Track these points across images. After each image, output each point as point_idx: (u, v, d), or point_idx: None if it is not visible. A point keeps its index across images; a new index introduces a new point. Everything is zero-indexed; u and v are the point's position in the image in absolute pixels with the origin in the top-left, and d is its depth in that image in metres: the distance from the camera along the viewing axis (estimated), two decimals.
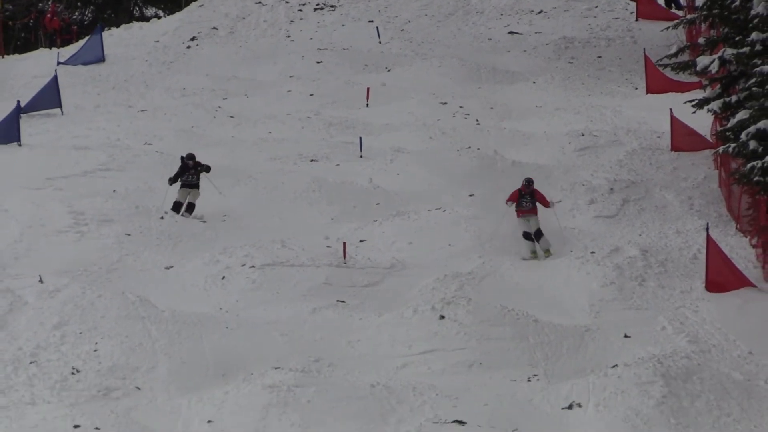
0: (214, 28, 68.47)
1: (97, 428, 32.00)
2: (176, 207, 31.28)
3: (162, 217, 29.24)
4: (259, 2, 71.91)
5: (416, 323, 37.07)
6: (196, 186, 30.38)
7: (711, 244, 40.21)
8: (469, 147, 50.10)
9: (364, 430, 32.74)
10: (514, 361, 35.87)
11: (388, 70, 61.70)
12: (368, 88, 56.77)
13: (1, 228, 38.88)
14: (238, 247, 40.57)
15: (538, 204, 30.75)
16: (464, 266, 39.58)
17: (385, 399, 33.87)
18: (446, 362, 35.60)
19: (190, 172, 30.36)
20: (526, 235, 29.69)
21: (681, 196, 45.14)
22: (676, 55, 53.86)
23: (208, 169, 31.63)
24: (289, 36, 66.80)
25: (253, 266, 39.43)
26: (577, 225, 43.26)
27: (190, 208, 31.31)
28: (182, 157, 30.79)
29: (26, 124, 47.78)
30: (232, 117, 52.27)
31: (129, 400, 33.50)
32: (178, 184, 30.60)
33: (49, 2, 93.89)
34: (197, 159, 30.74)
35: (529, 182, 31.35)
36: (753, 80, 43.72)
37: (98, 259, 39.55)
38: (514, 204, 30.71)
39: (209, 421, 32.46)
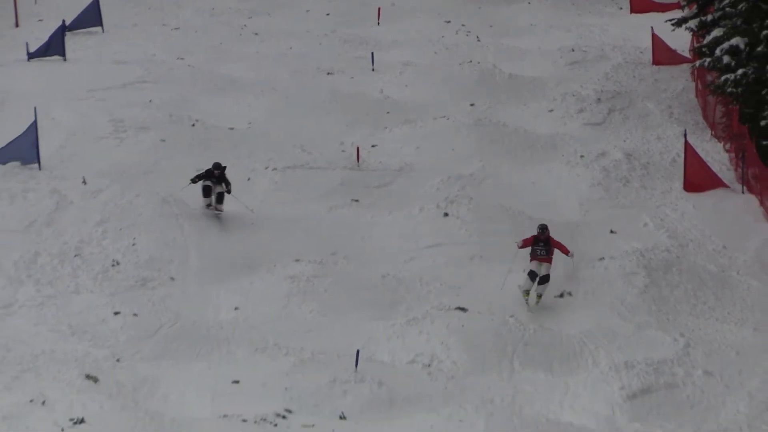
0: None
1: (135, 314, 32.54)
2: (207, 194, 30.40)
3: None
4: None
5: (423, 220, 37.40)
6: (220, 184, 29.99)
7: (688, 149, 40.27)
8: (470, 61, 50.07)
9: (376, 317, 33.26)
10: (507, 253, 35.67)
11: None
12: (379, 8, 56.49)
13: (48, 135, 38.70)
14: (261, 151, 40.37)
15: (556, 251, 29.89)
16: (466, 169, 39.75)
17: (394, 288, 34.23)
18: (450, 256, 35.81)
19: (213, 180, 29.57)
20: (532, 275, 28.91)
21: (661, 106, 45.16)
22: None
23: (229, 191, 31.63)
24: None
25: (276, 168, 39.40)
26: (568, 131, 43.41)
27: (219, 199, 30.50)
28: (209, 169, 29.64)
29: (71, 41, 47.67)
30: (256, 34, 52.08)
31: (164, 290, 33.76)
32: (200, 182, 30.00)
33: None
34: (225, 173, 29.62)
35: (543, 229, 30.52)
36: (726, 1, 43.48)
37: (136, 162, 39.68)
38: (529, 248, 29.53)
39: (236, 308, 32.98)
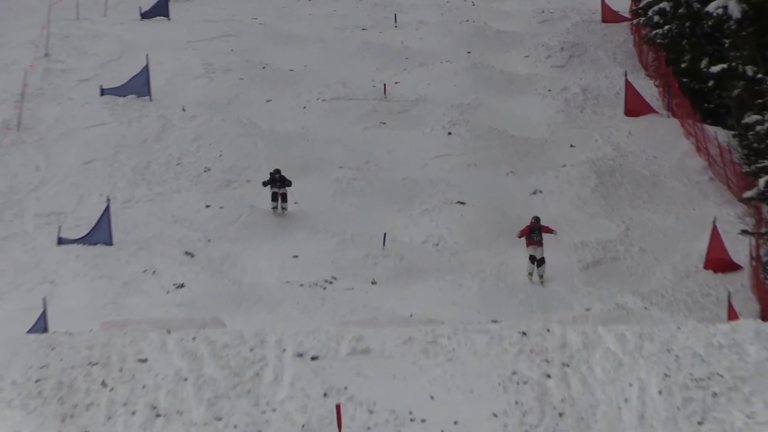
0: None
1: (221, 207, 32.48)
2: (274, 198, 30.27)
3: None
4: None
5: (432, 137, 37.35)
6: (282, 186, 29.77)
7: (628, 85, 39.94)
8: (468, 20, 49.67)
9: (398, 208, 33.51)
10: (498, 162, 35.79)
11: None
12: None
13: (157, 75, 38.65)
14: (314, 87, 40.08)
15: (544, 235, 29.11)
16: (464, 100, 39.64)
17: (412, 188, 34.29)
18: (452, 163, 35.71)
19: (276, 183, 29.32)
20: (532, 259, 28.23)
21: (608, 53, 44.85)
22: None
23: (290, 183, 31.16)
24: None
25: (324, 99, 39.09)
26: (539, 72, 43.09)
27: (284, 199, 30.22)
28: (271, 172, 29.75)
29: (173, 5, 47.26)
30: (309, 0, 51.21)
31: (242, 189, 33.75)
32: (268, 186, 29.95)
33: None
34: (282, 173, 29.57)
35: (537, 220, 29.55)
36: None
37: (221, 95, 39.49)
38: (524, 237, 28.95)
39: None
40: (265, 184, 31.22)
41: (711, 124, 37.78)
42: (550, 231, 29.75)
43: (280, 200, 31.75)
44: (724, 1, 37.04)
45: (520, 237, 29.77)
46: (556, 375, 17.20)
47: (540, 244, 29.47)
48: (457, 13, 48.92)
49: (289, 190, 31.94)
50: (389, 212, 32.88)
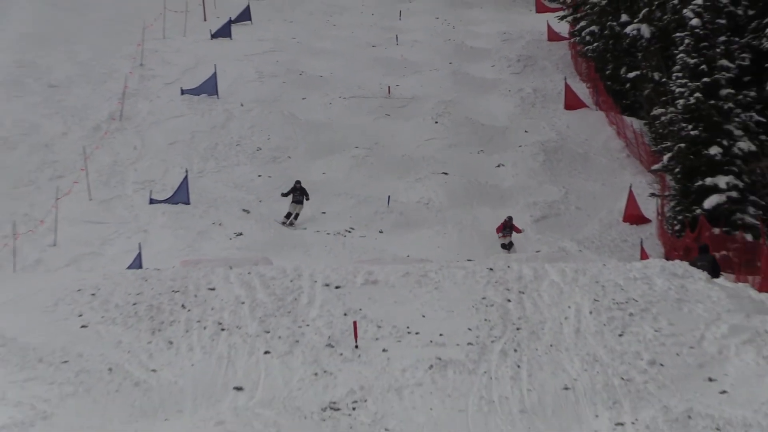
0: None
1: (269, 176, 32.15)
2: (288, 215, 28.97)
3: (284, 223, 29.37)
4: None
5: (424, 125, 37.12)
6: (301, 203, 28.22)
7: (567, 87, 39.60)
8: (450, 39, 48.75)
9: (398, 177, 33.35)
10: (471, 143, 35.72)
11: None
12: (400, 11, 54.05)
13: (222, 79, 38.72)
14: (337, 88, 40.05)
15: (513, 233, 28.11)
16: (447, 97, 39.49)
17: (409, 162, 34.26)
18: (438, 145, 35.58)
19: (296, 192, 28.05)
20: (503, 247, 28.14)
21: (552, 63, 44.50)
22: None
23: (308, 197, 29.54)
24: None
25: (344, 98, 38.92)
26: (502, 78, 43.03)
27: (296, 217, 28.68)
28: (295, 183, 29.48)
29: (234, 28, 46.67)
30: (334, 25, 50.85)
31: (285, 163, 33.76)
32: (290, 197, 28.28)
33: None
34: (302, 185, 29.27)
35: (510, 219, 28.37)
36: (588, 5, 42.59)
37: (269, 94, 39.27)
38: (500, 233, 28.50)
39: (323, 173, 32.12)
40: (284, 194, 29.68)
41: (628, 115, 37.61)
42: (518, 230, 28.63)
43: (292, 217, 29.83)
44: (637, 24, 36.84)
45: (497, 232, 28.68)
46: (515, 299, 17.20)
47: (509, 236, 28.81)
48: (442, 35, 48.30)
49: (307, 204, 30.19)
50: (392, 180, 32.61)
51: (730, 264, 24.45)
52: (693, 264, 20.71)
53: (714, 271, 20.47)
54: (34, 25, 45.94)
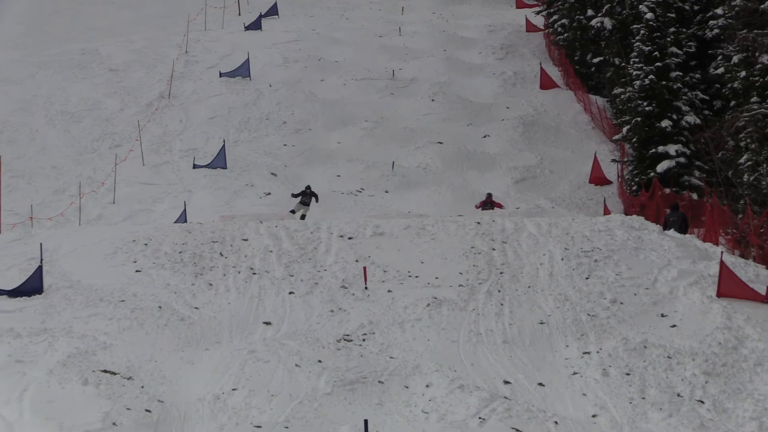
0: None
1: (293, 145, 32.66)
2: (292, 212, 24.23)
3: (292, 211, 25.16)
4: None
5: (422, 102, 36.83)
6: (308, 204, 24.83)
7: (542, 70, 39.36)
8: (444, 30, 47.79)
9: (401, 146, 32.80)
10: (462, 117, 35.53)
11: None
12: (402, 7, 53.08)
13: (254, 64, 38.48)
14: (350, 72, 39.61)
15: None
16: (441, 79, 38.97)
17: (410, 133, 34.19)
18: (435, 118, 35.49)
19: (306, 195, 24.81)
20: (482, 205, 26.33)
21: (530, 51, 43.56)
22: None
23: (317, 199, 25.10)
24: None
25: (356, 79, 38.70)
26: (487, 63, 42.17)
27: (302, 218, 23.84)
28: (306, 187, 25.53)
29: (264, 21, 46.26)
30: (347, 19, 49.79)
31: (306, 134, 34.02)
32: (298, 198, 24.40)
33: None
34: (312, 189, 25.27)
35: (489, 195, 26.04)
36: (560, 2, 42.09)
37: (293, 76, 38.91)
38: (480, 208, 25.53)
39: (338, 142, 32.48)
40: (294, 195, 25.66)
41: (593, 94, 37.12)
42: (500, 206, 26.11)
43: (298, 215, 24.77)
44: (601, 18, 36.47)
45: (477, 208, 26.03)
46: (498, 248, 17.11)
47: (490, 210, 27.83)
48: (437, 27, 47.36)
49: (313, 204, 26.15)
50: (396, 148, 32.17)
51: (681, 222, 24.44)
52: (666, 219, 20.78)
53: (684, 226, 20.49)
54: (96, 19, 46.43)
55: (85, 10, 48.64)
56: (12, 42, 41.85)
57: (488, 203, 26.40)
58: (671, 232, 19.11)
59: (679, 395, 11.50)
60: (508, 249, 17.07)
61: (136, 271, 15.91)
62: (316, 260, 16.56)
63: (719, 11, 27.74)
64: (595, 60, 37.84)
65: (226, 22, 46.85)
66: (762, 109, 20.42)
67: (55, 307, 14.16)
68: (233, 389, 11.42)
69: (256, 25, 45.66)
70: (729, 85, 26.08)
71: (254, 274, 15.92)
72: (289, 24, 47.17)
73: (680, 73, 28.53)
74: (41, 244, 16.00)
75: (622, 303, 14.53)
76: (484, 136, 33.72)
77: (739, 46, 23.01)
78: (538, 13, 47.13)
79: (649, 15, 28.98)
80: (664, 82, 28.14)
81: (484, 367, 12.31)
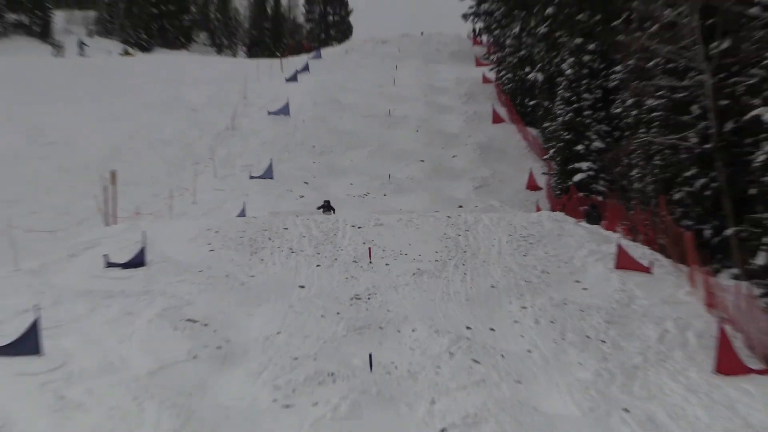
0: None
1: (320, 163, 32.43)
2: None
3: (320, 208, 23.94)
4: None
5: (410, 133, 36.25)
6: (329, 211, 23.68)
7: (493, 110, 38.89)
8: (425, 83, 47.75)
9: (394, 163, 32.34)
10: (437, 143, 35.03)
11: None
12: (396, 65, 51.12)
13: (292, 105, 37.72)
14: (359, 110, 39.04)
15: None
16: (423, 116, 38.60)
17: (401, 154, 34.09)
18: (418, 144, 35.04)
19: (326, 208, 22.54)
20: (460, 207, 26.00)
21: (485, 96, 42.56)
22: (487, 58, 51.44)
23: (334, 211, 22.99)
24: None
25: (364, 116, 38.32)
26: (455, 105, 41.44)
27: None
28: (325, 201, 23.87)
29: (300, 76, 46.03)
30: (356, 75, 49.55)
31: (329, 155, 33.48)
32: (321, 210, 22.65)
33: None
34: (330, 203, 23.70)
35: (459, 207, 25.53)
36: (505, 63, 41.72)
37: (320, 114, 38.00)
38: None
39: (350, 161, 32.79)
40: (318, 208, 24.18)
41: (529, 126, 36.99)
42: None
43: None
44: (535, 73, 36.45)
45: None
46: (462, 235, 17.12)
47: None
48: (420, 80, 46.41)
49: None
50: (391, 164, 31.87)
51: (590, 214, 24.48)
52: (588, 213, 21.11)
53: (599, 219, 20.77)
54: (185, 74, 46.45)
55: (177, 67, 48.88)
56: (122, 90, 41.77)
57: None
58: (584, 222, 19.18)
59: (588, 337, 11.56)
60: (470, 235, 17.11)
61: (210, 250, 15.93)
62: (335, 243, 16.59)
63: (618, 68, 27.69)
64: (531, 103, 37.77)
65: (273, 76, 46.72)
66: (647, 138, 20.42)
67: (153, 276, 14.21)
68: (278, 333, 11.46)
69: (293, 79, 45.50)
70: (624, 121, 26.04)
71: (292, 252, 15.94)
72: (317, 78, 46.99)
73: (590, 112, 28.44)
74: (144, 231, 16.09)
75: (548, 273, 14.59)
76: (453, 156, 33.59)
77: (631, 92, 22.99)
78: (490, 70, 47.04)
79: (568, 71, 28.98)
80: (579, 119, 28.12)
81: (452, 318, 12.36)
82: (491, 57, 50.65)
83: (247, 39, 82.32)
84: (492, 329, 11.91)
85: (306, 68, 48.86)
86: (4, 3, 58.88)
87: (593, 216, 20.74)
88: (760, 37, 14.14)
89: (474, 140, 35.42)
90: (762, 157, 13.31)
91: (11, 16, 59.66)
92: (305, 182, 29.84)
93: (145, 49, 67.84)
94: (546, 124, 32.75)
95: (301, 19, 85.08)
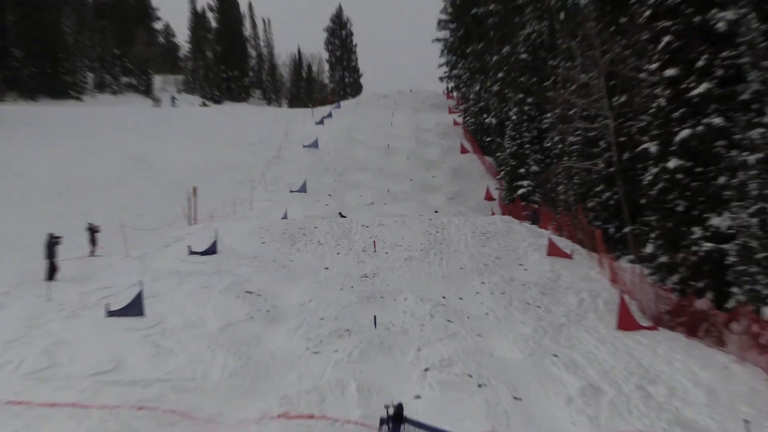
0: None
1: (339, 181, 31.21)
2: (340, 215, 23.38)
3: (341, 214, 22.98)
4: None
5: (402, 160, 35.47)
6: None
7: (461, 144, 38.04)
8: (414, 127, 47.03)
9: (392, 181, 31.23)
10: (422, 167, 34.05)
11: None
12: (393, 113, 50.40)
13: (321, 141, 37.25)
14: (368, 146, 38.34)
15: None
16: (412, 149, 37.88)
17: (396, 176, 32.72)
18: (408, 167, 33.89)
19: (341, 215, 22.64)
20: (435, 211, 25.74)
21: (455, 134, 41.84)
22: (457, 107, 50.96)
23: (345, 217, 21.38)
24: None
25: (370, 149, 37.27)
26: (435, 141, 40.88)
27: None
28: (339, 212, 23.73)
29: (326, 120, 45.46)
30: (364, 121, 49.13)
31: (346, 175, 32.38)
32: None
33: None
34: (343, 213, 23.47)
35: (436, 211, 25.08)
36: (470, 111, 41.34)
37: (341, 147, 37.02)
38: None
39: (360, 179, 31.53)
40: (338, 213, 23.94)
41: (487, 156, 36.75)
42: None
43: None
44: (490, 118, 36.22)
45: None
46: (439, 232, 16.89)
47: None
48: (411, 122, 45.85)
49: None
50: (389, 182, 31.33)
51: (530, 217, 24.28)
52: (529, 216, 21.00)
53: (536, 220, 20.62)
54: (244, 118, 46.07)
55: (239, 115, 48.33)
56: (201, 130, 41.49)
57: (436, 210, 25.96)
58: (525, 223, 19.02)
59: (528, 303, 11.53)
60: (445, 232, 16.96)
61: (262, 243, 15.80)
62: (350, 237, 16.44)
63: (548, 115, 27.60)
64: (487, 139, 37.48)
65: (306, 121, 46.28)
66: (568, 164, 20.37)
67: (222, 261, 14.10)
68: (309, 301, 11.45)
69: (321, 122, 45.10)
70: (553, 151, 25.91)
71: (320, 244, 15.81)
72: (337, 121, 46.51)
73: (529, 146, 28.16)
74: (215, 229, 16.06)
75: (500, 258, 14.51)
76: (433, 176, 33.14)
77: (557, 132, 22.93)
78: (459, 116, 46.70)
79: (513, 117, 28.70)
80: (521, 150, 27.87)
81: (432, 290, 12.33)
82: (459, 107, 50.47)
83: (288, 94, 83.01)
84: (461, 298, 11.87)
85: (330, 115, 48.35)
86: (120, 70, 60.67)
87: (533, 218, 20.67)
88: (646, 94, 14.31)
89: (448, 165, 35.06)
90: (649, 178, 13.34)
91: (125, 79, 61.78)
92: (329, 194, 29.61)
93: (217, 101, 68.36)
94: (498, 154, 32.56)
95: (326, 80, 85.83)
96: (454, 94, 56.97)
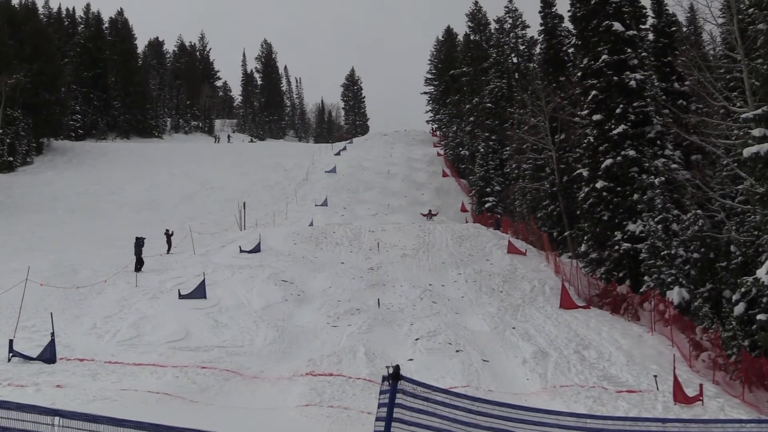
0: None
1: (352, 197, 29.85)
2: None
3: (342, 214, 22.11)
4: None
5: (399, 182, 34.38)
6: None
7: (443, 170, 37.16)
8: (406, 157, 45.03)
9: (392, 197, 30.04)
10: (413, 188, 32.93)
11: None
12: (393, 149, 47.51)
13: (339, 168, 35.78)
14: (373, 170, 36.54)
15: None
16: (406, 174, 36.39)
17: (394, 193, 31.26)
18: (403, 188, 32.56)
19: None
20: (424, 215, 23.31)
21: (437, 163, 39.77)
22: (439, 143, 47.95)
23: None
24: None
25: (374, 173, 35.80)
26: (423, 168, 39.30)
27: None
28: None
29: (342, 152, 44.34)
30: (370, 152, 47.61)
31: (357, 194, 31.43)
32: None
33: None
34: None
35: (429, 211, 22.86)
36: (448, 145, 40.65)
37: (352, 172, 35.62)
38: (426, 217, 22.77)
39: (367, 197, 30.38)
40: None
41: (462, 178, 36.16)
42: (434, 215, 23.49)
43: None
44: (464, 150, 35.84)
45: (423, 216, 24.78)
46: (428, 235, 16.64)
47: (428, 215, 25.54)
48: (404, 155, 44.08)
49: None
50: (389, 198, 30.40)
51: (494, 224, 24.05)
52: (493, 224, 20.27)
53: (499, 227, 19.64)
54: (282, 149, 45.57)
55: (278, 148, 47.22)
56: (249, 160, 40.64)
57: (429, 214, 25.77)
58: (491, 228, 18.84)
59: (493, 289, 11.52)
60: (431, 235, 16.76)
61: (294, 244, 15.64)
62: (360, 239, 16.24)
63: (508, 148, 27.60)
64: (462, 166, 36.63)
65: (327, 152, 45.55)
66: (523, 185, 20.44)
67: (264, 257, 13.98)
68: (329, 287, 11.46)
69: (338, 154, 44.07)
70: (512, 174, 25.85)
71: (337, 245, 15.65)
72: (350, 153, 45.73)
73: (493, 171, 28.06)
74: (260, 234, 16.06)
75: (472, 255, 14.41)
76: (422, 194, 32.48)
77: (514, 161, 23.03)
78: (441, 149, 45.98)
79: (482, 150, 28.60)
80: (487, 175, 27.76)
81: (421, 279, 12.29)
82: (441, 142, 49.79)
83: (314, 133, 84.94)
84: (443, 285, 11.86)
85: (345, 148, 47.49)
86: (190, 116, 63.25)
87: (496, 225, 20.51)
88: (580, 133, 14.72)
89: (433, 185, 34.29)
90: (582, 195, 13.56)
91: (193, 123, 64.23)
92: (344, 207, 29.32)
93: (261, 139, 69.45)
94: (470, 177, 32.19)
95: (342, 123, 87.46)
96: (438, 132, 56.73)
